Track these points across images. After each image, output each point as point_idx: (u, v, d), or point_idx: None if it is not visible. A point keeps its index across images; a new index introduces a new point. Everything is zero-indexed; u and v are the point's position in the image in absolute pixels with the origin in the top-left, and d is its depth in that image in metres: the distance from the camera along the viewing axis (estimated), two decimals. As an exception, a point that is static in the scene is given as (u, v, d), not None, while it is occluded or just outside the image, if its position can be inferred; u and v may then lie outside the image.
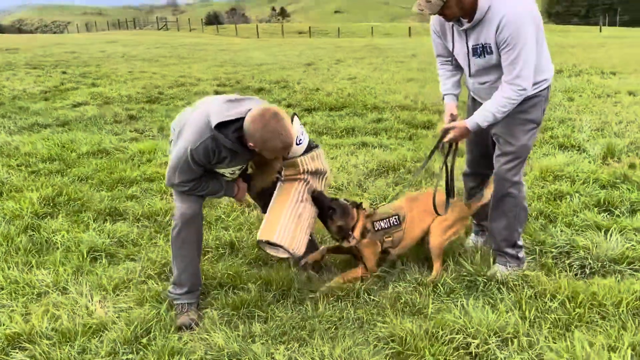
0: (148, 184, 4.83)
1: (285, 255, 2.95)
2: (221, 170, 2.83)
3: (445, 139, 2.96)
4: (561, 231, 3.53)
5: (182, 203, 2.82)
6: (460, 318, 2.58)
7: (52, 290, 3.02)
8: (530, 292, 2.82)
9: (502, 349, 2.41)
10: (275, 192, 3.03)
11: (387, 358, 2.41)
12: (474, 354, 2.38)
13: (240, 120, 2.61)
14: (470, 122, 2.85)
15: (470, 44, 2.81)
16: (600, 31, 30.20)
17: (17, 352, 2.48)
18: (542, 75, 2.84)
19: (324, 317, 2.72)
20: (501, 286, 2.91)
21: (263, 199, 3.19)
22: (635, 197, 3.94)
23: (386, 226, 3.13)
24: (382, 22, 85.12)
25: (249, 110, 2.61)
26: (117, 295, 2.97)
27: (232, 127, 2.62)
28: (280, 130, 2.54)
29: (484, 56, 2.78)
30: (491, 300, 2.81)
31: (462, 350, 2.39)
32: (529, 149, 2.98)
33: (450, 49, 2.97)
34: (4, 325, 2.67)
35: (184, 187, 2.75)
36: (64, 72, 14.68)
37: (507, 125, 2.91)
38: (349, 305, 2.83)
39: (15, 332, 2.58)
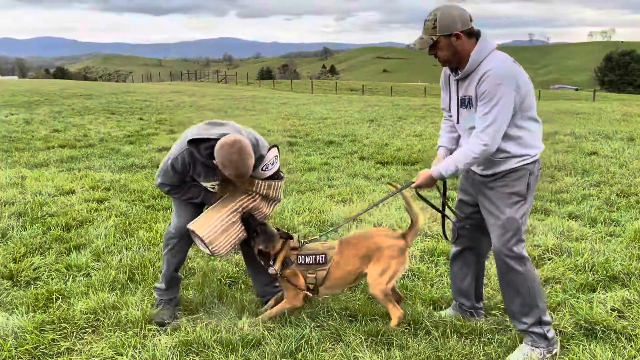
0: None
1: (206, 251, 3.23)
2: (202, 184, 3.25)
3: (414, 185, 3.01)
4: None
5: (179, 217, 3.34)
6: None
7: (200, 309, 3.40)
8: (650, 342, 2.98)
9: (635, 390, 2.59)
10: (225, 195, 3.31)
11: (526, 389, 2.61)
12: (609, 392, 2.57)
13: (213, 140, 3.01)
14: (435, 171, 2.91)
15: (460, 94, 2.89)
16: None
17: (194, 356, 2.83)
18: (526, 149, 2.85)
19: (454, 350, 2.96)
20: (620, 335, 3.09)
21: None
22: None
23: (310, 262, 3.23)
24: (429, 82, 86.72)
25: (223, 134, 3.02)
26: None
27: (204, 145, 3.06)
28: (238, 162, 2.91)
29: (469, 108, 2.85)
30: (612, 347, 2.98)
31: (598, 387, 2.58)
32: (517, 222, 2.86)
33: (448, 101, 3.06)
34: (174, 334, 3.05)
35: (164, 188, 3.28)
36: (140, 119, 15.72)
37: (491, 198, 2.93)
38: (475, 342, 3.06)
39: (187, 339, 2.95)
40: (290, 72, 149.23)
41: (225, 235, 3.19)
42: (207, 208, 3.34)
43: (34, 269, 4.03)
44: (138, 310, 3.30)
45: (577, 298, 3.54)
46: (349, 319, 3.29)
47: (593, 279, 3.85)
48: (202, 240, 3.18)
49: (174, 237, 3.35)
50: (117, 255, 4.28)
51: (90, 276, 3.92)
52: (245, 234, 3.28)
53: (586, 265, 4.09)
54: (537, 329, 2.91)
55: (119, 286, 3.73)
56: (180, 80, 65.04)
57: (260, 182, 3.28)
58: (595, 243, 4.60)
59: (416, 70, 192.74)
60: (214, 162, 2.99)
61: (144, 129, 13.23)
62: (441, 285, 3.81)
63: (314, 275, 3.23)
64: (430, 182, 2.96)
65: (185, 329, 3.10)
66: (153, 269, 3.95)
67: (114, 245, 4.53)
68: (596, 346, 2.96)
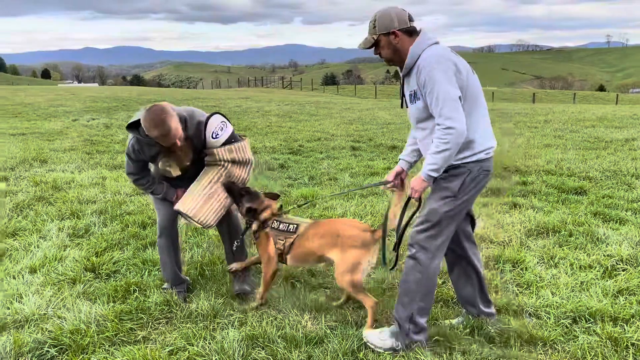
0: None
1: (194, 224, 3.52)
2: (163, 167, 3.46)
3: (412, 196, 2.91)
4: None
5: (158, 214, 3.69)
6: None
7: (266, 305, 3.54)
8: None
9: None
10: (201, 173, 3.55)
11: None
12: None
13: None
14: (423, 174, 2.82)
15: (408, 91, 2.93)
16: None
17: (259, 350, 2.96)
18: (469, 148, 2.81)
19: (519, 358, 2.91)
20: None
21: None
22: None
23: (282, 228, 3.43)
24: (498, 87, 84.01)
25: None
26: (325, 315, 3.40)
27: (142, 127, 3.20)
28: (157, 121, 3.04)
29: (415, 102, 2.88)
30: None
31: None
32: (439, 216, 2.86)
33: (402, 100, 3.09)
34: (242, 327, 3.20)
35: (131, 178, 3.57)
36: (210, 123, 16.32)
37: (432, 189, 2.95)
38: (538, 348, 3.00)
39: (253, 334, 3.08)
40: (354, 77, 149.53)
41: (207, 206, 3.46)
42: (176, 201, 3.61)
43: (114, 263, 4.33)
44: (208, 303, 3.48)
45: (654, 311, 3.37)
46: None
47: (672, 292, 3.65)
48: (188, 215, 3.45)
49: (159, 232, 3.72)
50: (188, 252, 4.51)
51: (164, 271, 4.16)
52: (227, 201, 3.55)
53: (664, 277, 3.88)
54: (405, 323, 2.95)
55: (190, 281, 3.94)
56: (248, 86, 66.88)
57: (219, 150, 3.45)
58: (676, 255, 4.35)
59: (484, 74, 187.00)
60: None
61: (213, 134, 13.71)
62: (508, 293, 3.74)
63: (283, 242, 3.40)
64: (421, 184, 2.85)
65: (252, 323, 3.24)
66: (222, 266, 4.14)
67: (186, 242, 4.78)
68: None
